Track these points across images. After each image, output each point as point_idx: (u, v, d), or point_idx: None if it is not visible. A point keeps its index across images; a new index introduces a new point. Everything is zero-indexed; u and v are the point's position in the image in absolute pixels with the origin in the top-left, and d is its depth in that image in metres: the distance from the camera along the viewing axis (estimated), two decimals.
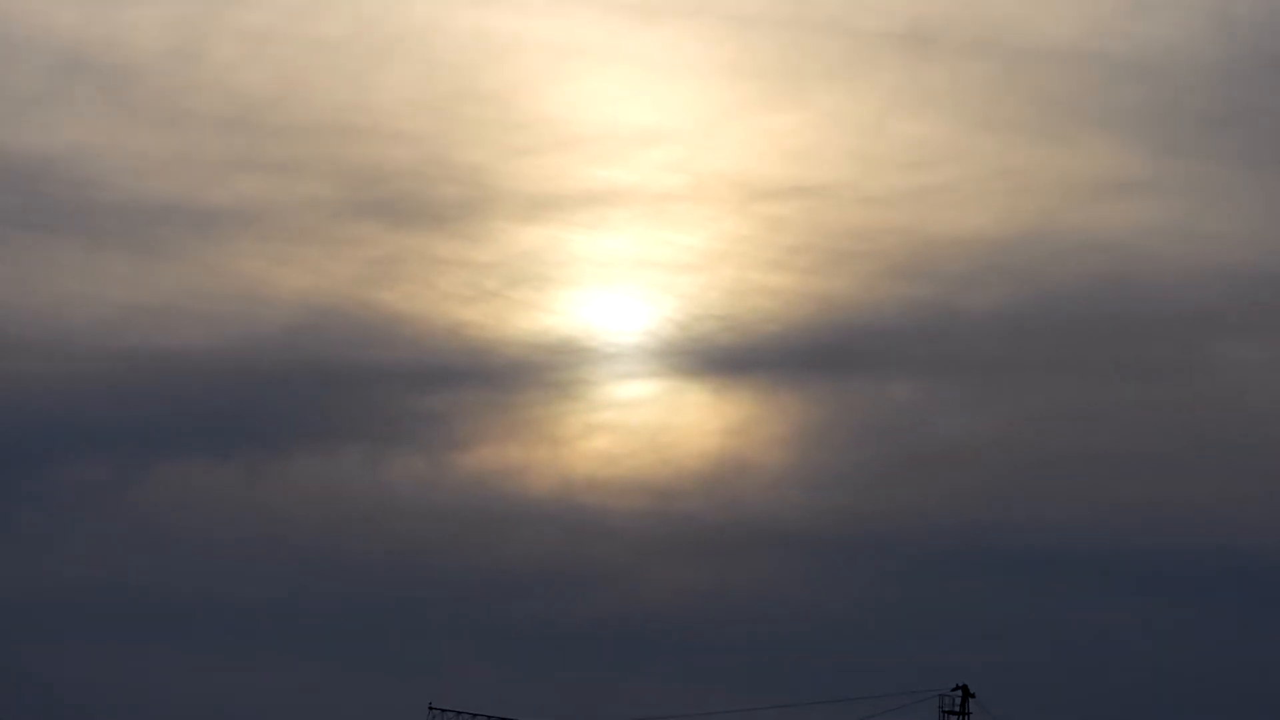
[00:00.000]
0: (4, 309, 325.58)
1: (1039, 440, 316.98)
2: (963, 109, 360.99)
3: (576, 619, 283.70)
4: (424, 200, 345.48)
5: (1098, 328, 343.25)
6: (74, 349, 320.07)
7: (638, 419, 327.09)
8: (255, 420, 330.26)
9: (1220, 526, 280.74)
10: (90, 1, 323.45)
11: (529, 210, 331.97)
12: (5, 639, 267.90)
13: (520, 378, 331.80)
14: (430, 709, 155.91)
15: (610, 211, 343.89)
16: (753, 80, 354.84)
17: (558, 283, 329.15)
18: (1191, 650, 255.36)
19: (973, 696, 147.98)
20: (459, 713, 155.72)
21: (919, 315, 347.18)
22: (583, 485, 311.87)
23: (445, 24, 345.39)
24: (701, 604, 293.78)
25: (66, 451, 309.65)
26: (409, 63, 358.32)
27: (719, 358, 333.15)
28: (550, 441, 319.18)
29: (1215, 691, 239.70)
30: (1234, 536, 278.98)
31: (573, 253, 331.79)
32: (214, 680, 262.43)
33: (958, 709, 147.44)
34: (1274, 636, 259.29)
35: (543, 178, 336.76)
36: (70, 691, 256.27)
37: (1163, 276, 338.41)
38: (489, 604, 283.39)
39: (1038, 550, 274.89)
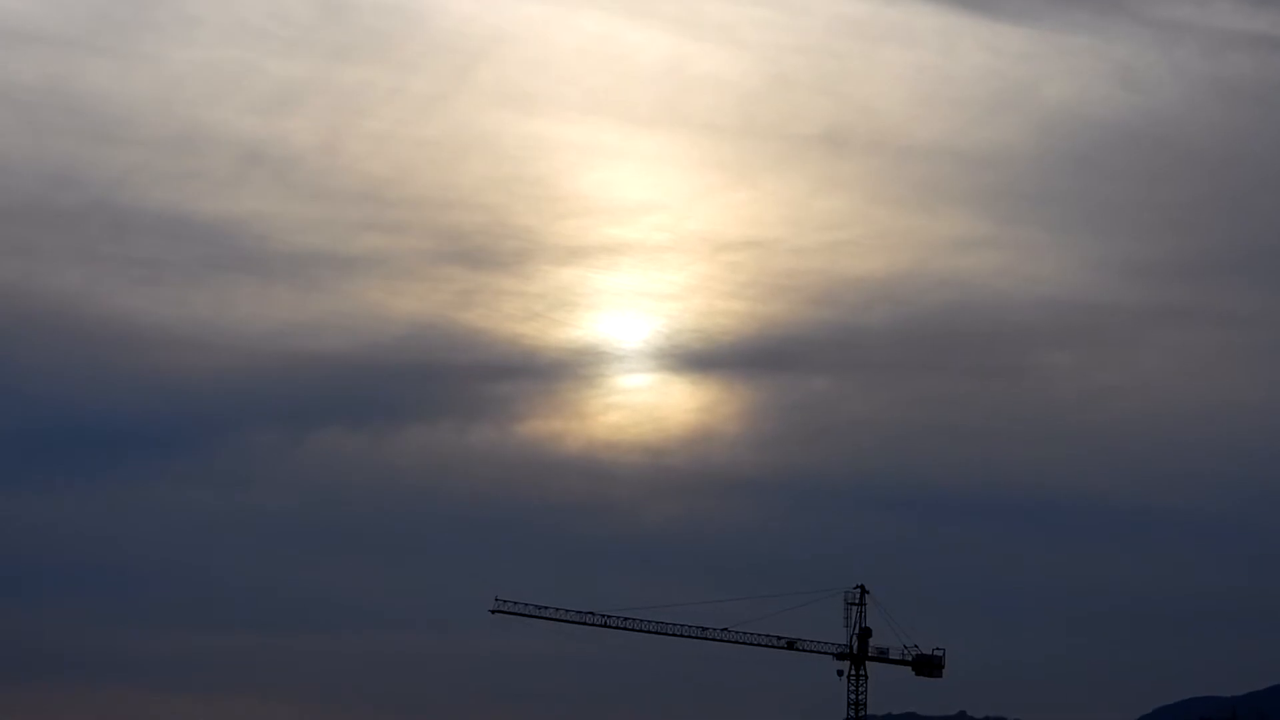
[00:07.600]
0: (204, 326, 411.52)
1: (913, 416, 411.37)
2: (861, 189, 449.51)
3: (597, 537, 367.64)
4: (492, 251, 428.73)
5: (952, 339, 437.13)
6: (253, 352, 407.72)
7: (638, 400, 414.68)
8: (377, 401, 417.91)
9: (1034, 478, 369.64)
10: (264, 111, 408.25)
11: (564, 257, 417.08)
12: (207, 549, 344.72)
13: (558, 372, 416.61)
14: (495, 600, 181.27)
15: (619, 259, 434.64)
16: (717, 170, 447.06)
17: (583, 307, 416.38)
18: (1015, 560, 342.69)
19: (868, 593, 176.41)
20: (515, 602, 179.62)
21: (830, 330, 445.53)
22: (601, 445, 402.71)
23: (508, 129, 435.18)
24: (681, 526, 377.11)
25: (246, 422, 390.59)
26: (483, 156, 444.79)
27: (693, 359, 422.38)
28: (579, 416, 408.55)
29: (1009, 593, 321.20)
30: (1044, 485, 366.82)
31: (594, 287, 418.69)
32: (348, 573, 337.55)
33: (858, 601, 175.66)
34: (1083, 556, 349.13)
35: (573, 235, 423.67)
36: (248, 588, 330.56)
37: (996, 305, 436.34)
38: (538, 526, 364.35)
39: (915, 492, 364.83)
